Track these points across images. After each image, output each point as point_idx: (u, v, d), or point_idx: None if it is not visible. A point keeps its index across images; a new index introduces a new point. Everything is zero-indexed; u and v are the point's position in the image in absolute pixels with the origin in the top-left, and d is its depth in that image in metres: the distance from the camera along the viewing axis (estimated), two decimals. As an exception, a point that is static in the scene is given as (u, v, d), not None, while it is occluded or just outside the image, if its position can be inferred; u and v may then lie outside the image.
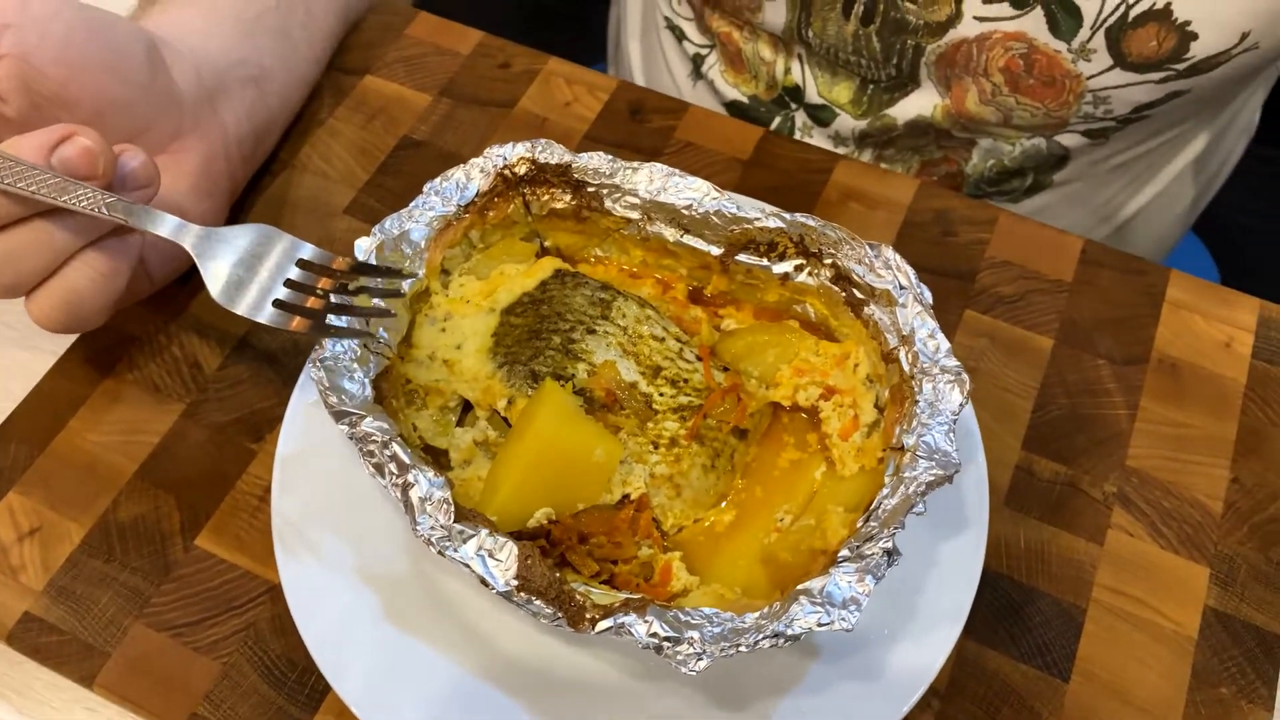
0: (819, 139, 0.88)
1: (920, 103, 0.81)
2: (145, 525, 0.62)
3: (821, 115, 0.86)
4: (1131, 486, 0.64)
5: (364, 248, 0.58)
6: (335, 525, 0.58)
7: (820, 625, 0.46)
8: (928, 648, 0.54)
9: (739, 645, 0.46)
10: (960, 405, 0.53)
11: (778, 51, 0.84)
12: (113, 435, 0.65)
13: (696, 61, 0.92)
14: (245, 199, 0.75)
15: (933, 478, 0.50)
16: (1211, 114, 0.89)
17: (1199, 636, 0.59)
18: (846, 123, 0.85)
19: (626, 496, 0.56)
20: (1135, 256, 0.73)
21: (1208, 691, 0.57)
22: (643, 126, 0.79)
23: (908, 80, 0.79)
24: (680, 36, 0.93)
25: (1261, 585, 0.60)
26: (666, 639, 0.46)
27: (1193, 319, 0.70)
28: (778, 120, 0.89)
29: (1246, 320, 0.70)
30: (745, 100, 0.90)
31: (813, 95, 0.85)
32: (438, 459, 0.58)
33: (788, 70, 0.85)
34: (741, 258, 0.61)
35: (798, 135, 0.89)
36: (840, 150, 0.88)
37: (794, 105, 0.87)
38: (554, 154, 0.62)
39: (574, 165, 0.62)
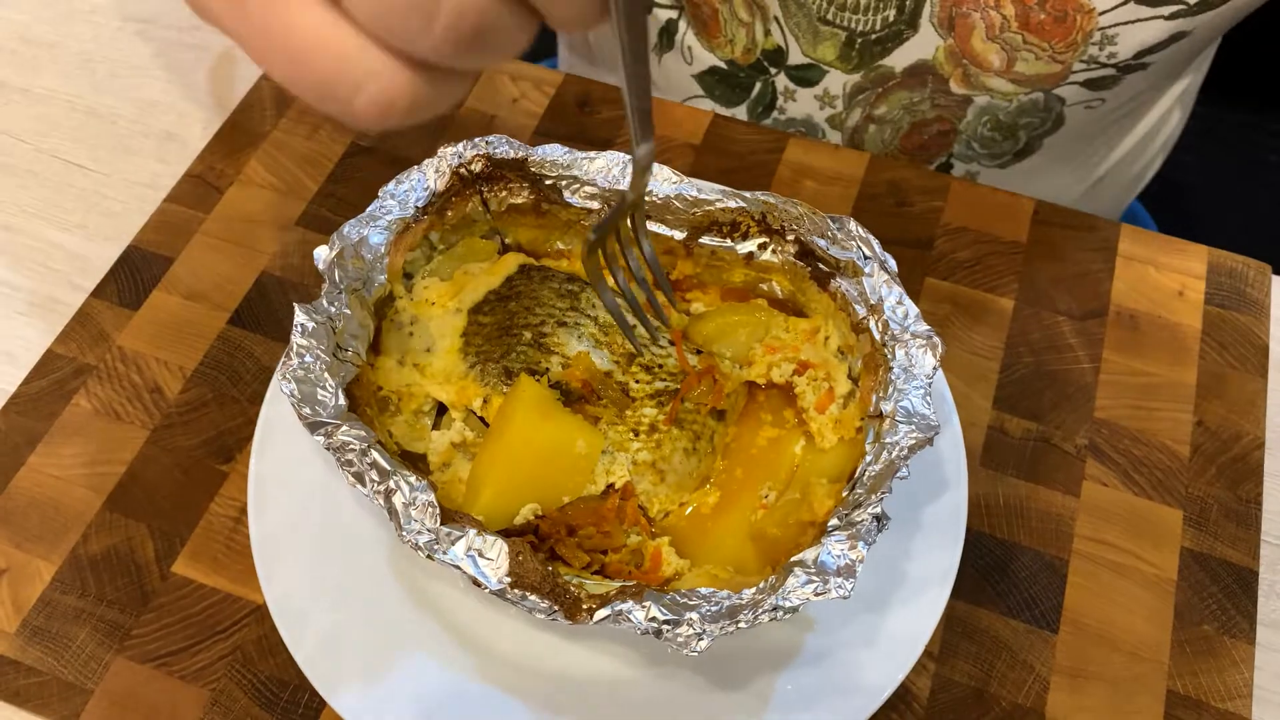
0: (804, 102, 0.85)
1: (919, 47, 0.78)
2: (118, 556, 0.61)
3: (809, 75, 0.82)
4: (1102, 438, 0.65)
5: (323, 256, 0.57)
6: (316, 539, 0.57)
7: (817, 595, 0.46)
8: (919, 611, 0.55)
9: (738, 622, 0.46)
10: (934, 369, 0.53)
11: (754, 13, 0.81)
12: (75, 468, 0.64)
13: (669, 29, 0.88)
14: (193, 215, 0.73)
15: (914, 441, 0.51)
16: (1193, 65, 0.88)
17: (1178, 578, 0.60)
18: (837, 79, 0.82)
19: (611, 486, 0.56)
20: (1085, 214, 0.74)
21: (1191, 630, 0.59)
22: (592, 118, 0.79)
23: (904, 26, 0.76)
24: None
25: (1233, 523, 0.62)
26: (666, 622, 0.46)
27: (1146, 270, 0.72)
28: (758, 87, 0.86)
29: (1196, 268, 0.72)
30: (724, 66, 0.86)
31: (796, 55, 0.81)
32: (415, 464, 0.58)
33: (768, 32, 0.81)
34: (705, 240, 0.61)
35: (779, 101, 0.86)
36: (827, 111, 0.85)
37: (774, 70, 0.84)
38: (509, 149, 0.62)
39: (530, 159, 0.62)
